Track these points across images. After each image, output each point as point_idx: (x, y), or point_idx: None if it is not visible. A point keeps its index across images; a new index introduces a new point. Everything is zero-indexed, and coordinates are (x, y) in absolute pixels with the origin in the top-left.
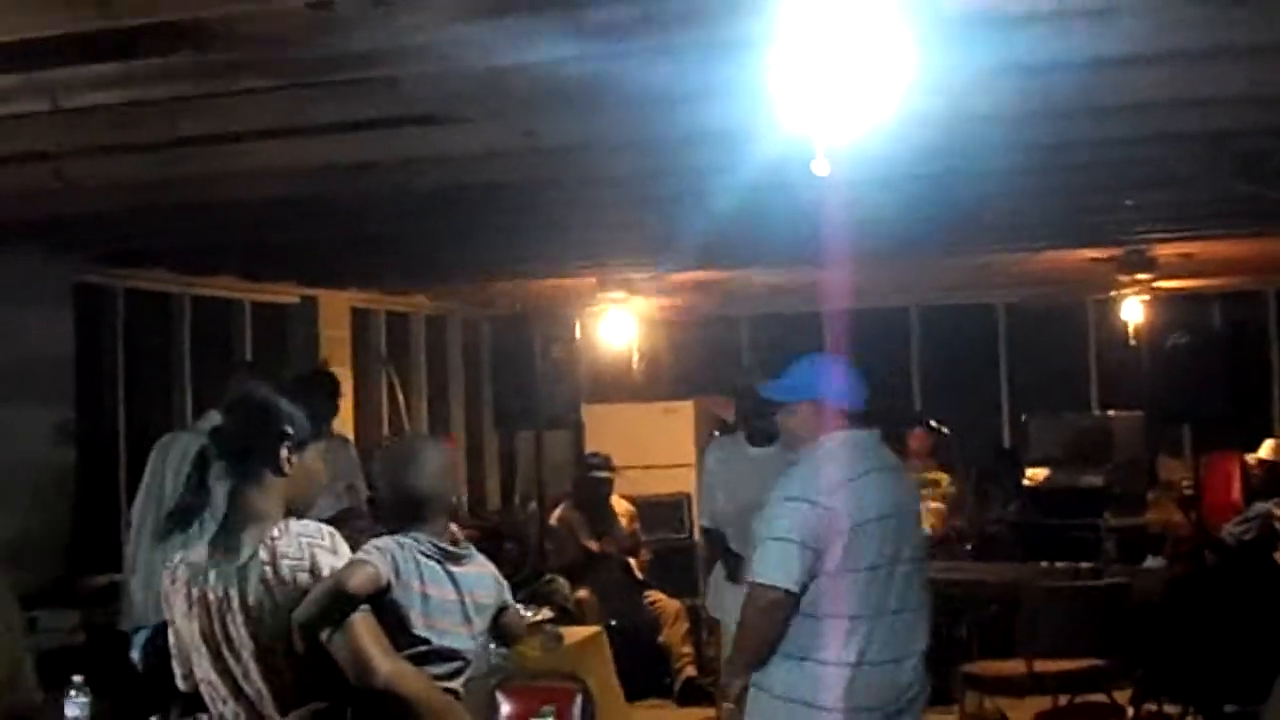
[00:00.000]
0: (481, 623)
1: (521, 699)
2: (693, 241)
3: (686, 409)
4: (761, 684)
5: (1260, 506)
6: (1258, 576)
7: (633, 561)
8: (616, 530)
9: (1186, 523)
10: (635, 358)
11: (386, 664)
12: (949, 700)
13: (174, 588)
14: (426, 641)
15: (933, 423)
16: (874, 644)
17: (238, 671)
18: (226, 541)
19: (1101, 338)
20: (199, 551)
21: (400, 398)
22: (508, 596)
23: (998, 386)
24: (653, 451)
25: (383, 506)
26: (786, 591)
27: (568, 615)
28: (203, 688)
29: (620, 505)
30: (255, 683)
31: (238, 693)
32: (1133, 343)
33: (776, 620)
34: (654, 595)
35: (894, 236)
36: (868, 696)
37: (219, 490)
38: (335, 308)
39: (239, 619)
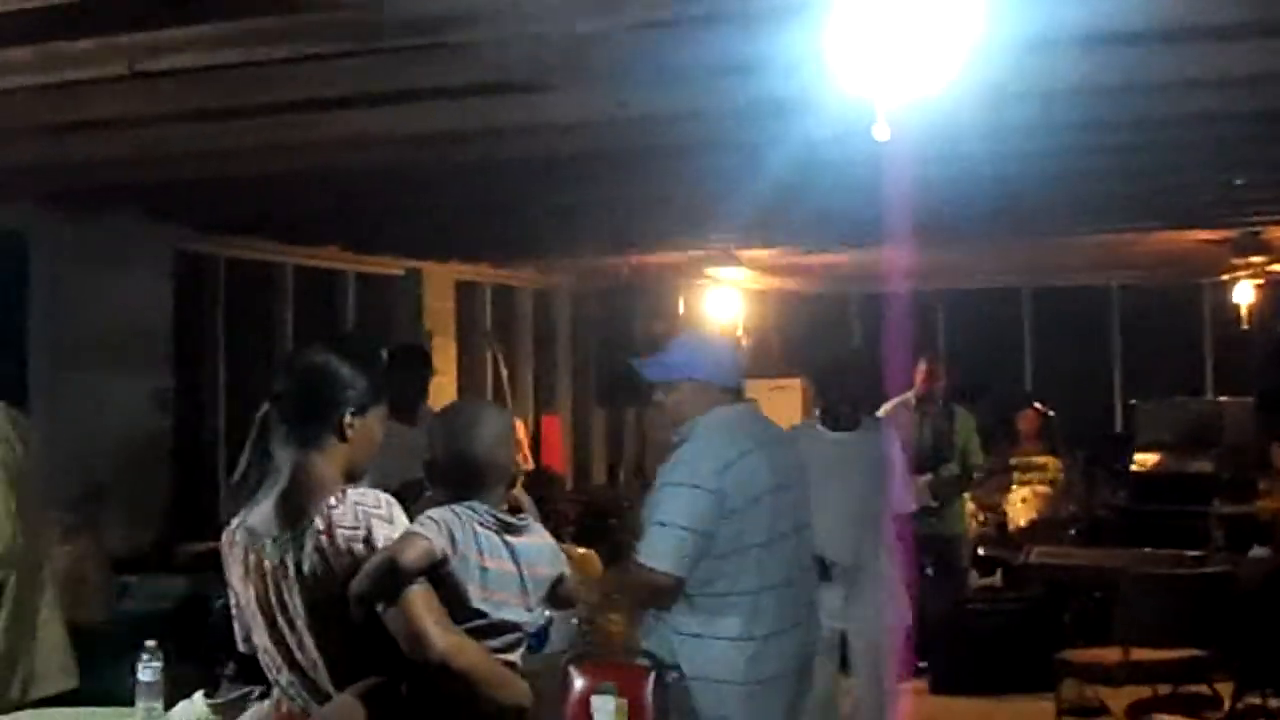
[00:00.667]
0: (538, 595)
1: (594, 675)
2: (793, 216)
3: (795, 386)
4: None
5: None
6: None
7: None
8: None
9: None
10: (740, 334)
11: (443, 638)
12: (1049, 688)
13: (231, 552)
14: (484, 615)
15: (1039, 405)
16: (773, 616)
17: (292, 641)
18: (286, 508)
19: (1215, 321)
20: (257, 516)
21: (504, 372)
22: (565, 568)
23: (1110, 370)
24: None
25: (438, 473)
26: (676, 578)
27: None
28: (260, 656)
29: None
30: (310, 653)
31: (292, 662)
32: (1245, 327)
33: (663, 603)
34: None
35: (996, 218)
36: (771, 667)
37: (281, 456)
38: (440, 280)
39: (294, 588)
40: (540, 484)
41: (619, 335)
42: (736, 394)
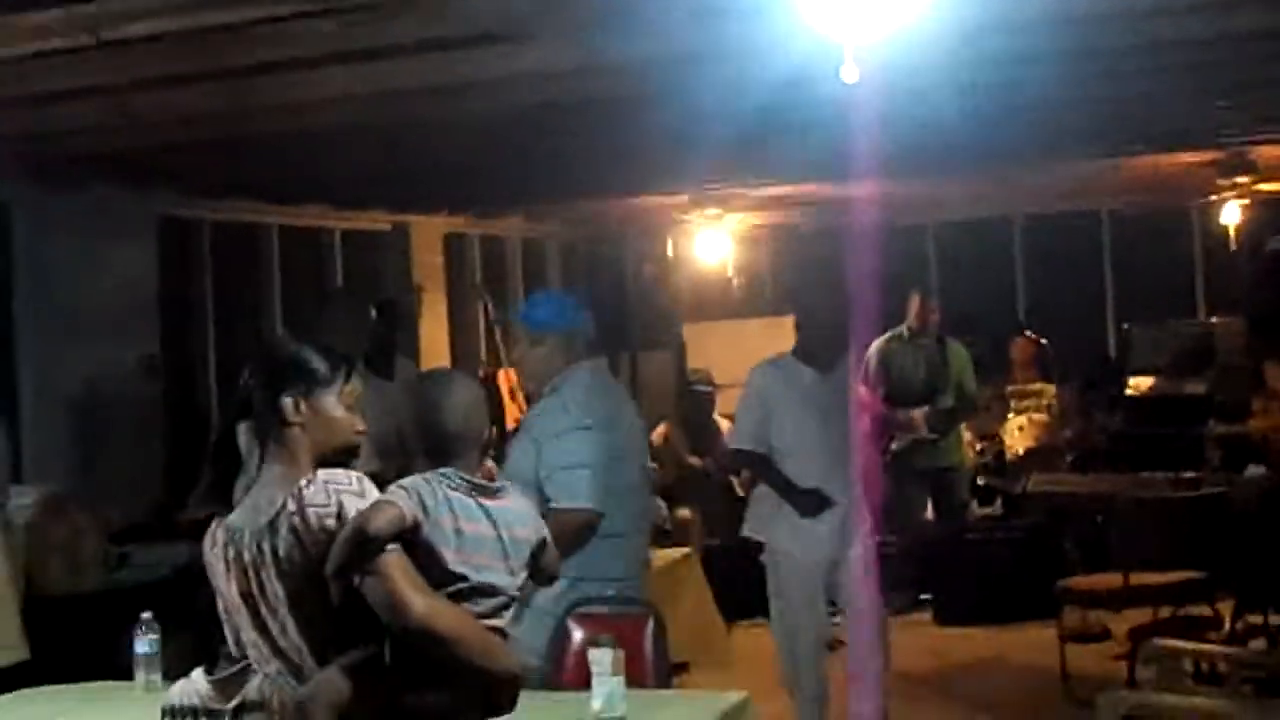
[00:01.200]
0: (520, 559)
1: (591, 627)
2: (776, 155)
3: (788, 325)
4: (539, 604)
5: None
6: None
7: (735, 480)
8: (718, 448)
9: None
10: (732, 274)
11: (422, 601)
12: (1051, 615)
13: (214, 552)
14: (464, 578)
15: (1031, 334)
16: (635, 559)
17: (275, 629)
18: (256, 500)
19: (1205, 243)
20: (234, 512)
21: (496, 325)
22: (546, 533)
23: (1102, 295)
24: None
25: (409, 444)
26: (596, 513)
27: (665, 536)
28: (250, 651)
29: (723, 423)
30: (293, 638)
31: (277, 650)
32: (1233, 248)
33: (585, 541)
34: None
35: (980, 148)
36: None
37: (250, 450)
38: (428, 234)
39: (272, 574)
40: None
41: (607, 280)
42: (595, 347)
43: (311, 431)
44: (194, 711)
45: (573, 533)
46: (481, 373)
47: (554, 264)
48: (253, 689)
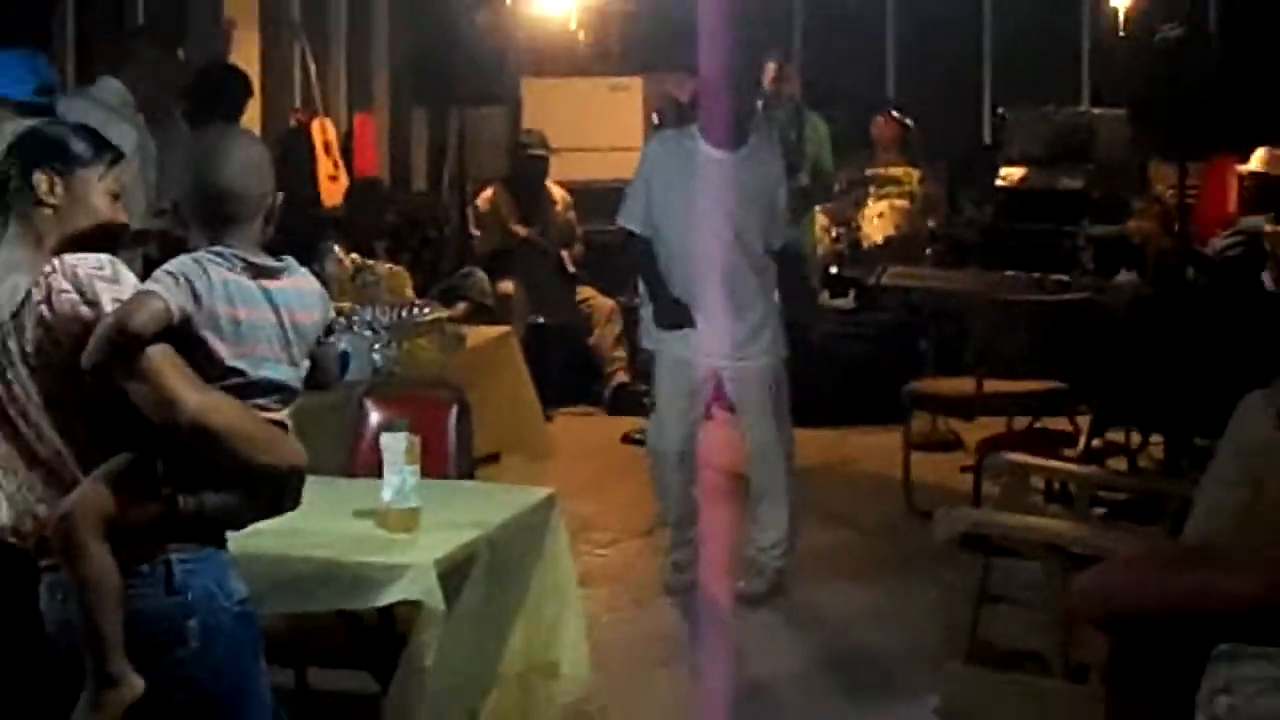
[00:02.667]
0: (303, 347)
1: (391, 409)
2: None
3: (635, 86)
4: None
5: (1250, 222)
6: (1241, 297)
7: (565, 254)
8: (549, 217)
9: (1169, 235)
10: (576, 27)
11: (194, 396)
12: (900, 420)
13: None
14: (241, 373)
15: (894, 113)
16: None
17: (30, 434)
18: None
19: (1094, 26)
20: None
21: (312, 68)
22: (332, 313)
23: (979, 75)
24: (596, 133)
25: (185, 213)
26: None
27: (486, 311)
28: None
29: (556, 191)
30: (51, 442)
31: (33, 458)
32: (1122, 34)
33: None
34: (587, 292)
35: None
36: None
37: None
38: None
39: (21, 373)
40: (354, 194)
41: (442, 24)
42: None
43: (64, 215)
44: None
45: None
46: (294, 121)
47: (381, 4)
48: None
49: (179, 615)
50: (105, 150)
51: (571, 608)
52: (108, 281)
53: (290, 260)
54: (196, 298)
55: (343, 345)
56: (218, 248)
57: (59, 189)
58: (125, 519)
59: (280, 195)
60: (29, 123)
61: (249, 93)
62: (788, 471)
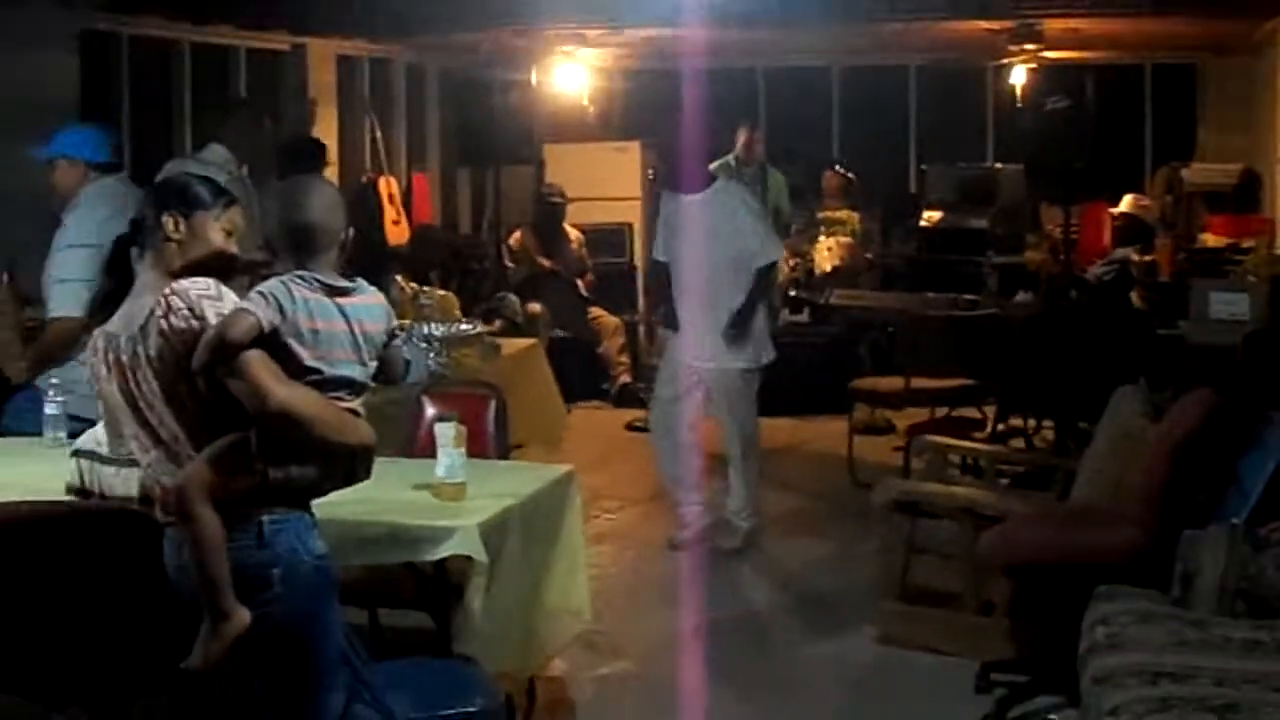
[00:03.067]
0: (370, 350)
1: (443, 403)
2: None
3: (633, 149)
4: None
5: (1121, 252)
6: (1114, 313)
7: (580, 281)
8: (566, 252)
9: (1057, 263)
10: (587, 103)
11: (280, 389)
12: (845, 410)
13: (96, 358)
14: (319, 372)
15: (839, 168)
16: None
17: (154, 420)
18: (130, 309)
19: (997, 99)
20: (114, 321)
21: (379, 137)
22: (395, 324)
23: (906, 138)
24: (602, 186)
25: (275, 244)
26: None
27: (516, 328)
28: (131, 445)
29: (571, 231)
30: (171, 427)
31: (157, 440)
32: (1019, 105)
33: (70, 346)
34: (596, 311)
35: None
36: None
37: (136, 265)
38: (323, 55)
39: (148, 373)
40: (415, 236)
41: (481, 100)
42: (105, 168)
43: (186, 247)
44: (97, 456)
45: (55, 340)
46: (365, 178)
47: (433, 86)
48: (139, 480)
49: (267, 564)
50: (221, 195)
51: (579, 561)
52: (212, 300)
53: (360, 281)
54: (282, 312)
55: (405, 353)
56: (300, 272)
57: (182, 227)
58: (226, 489)
59: (352, 231)
60: (108, 179)
61: (325, 159)
62: (746, 454)
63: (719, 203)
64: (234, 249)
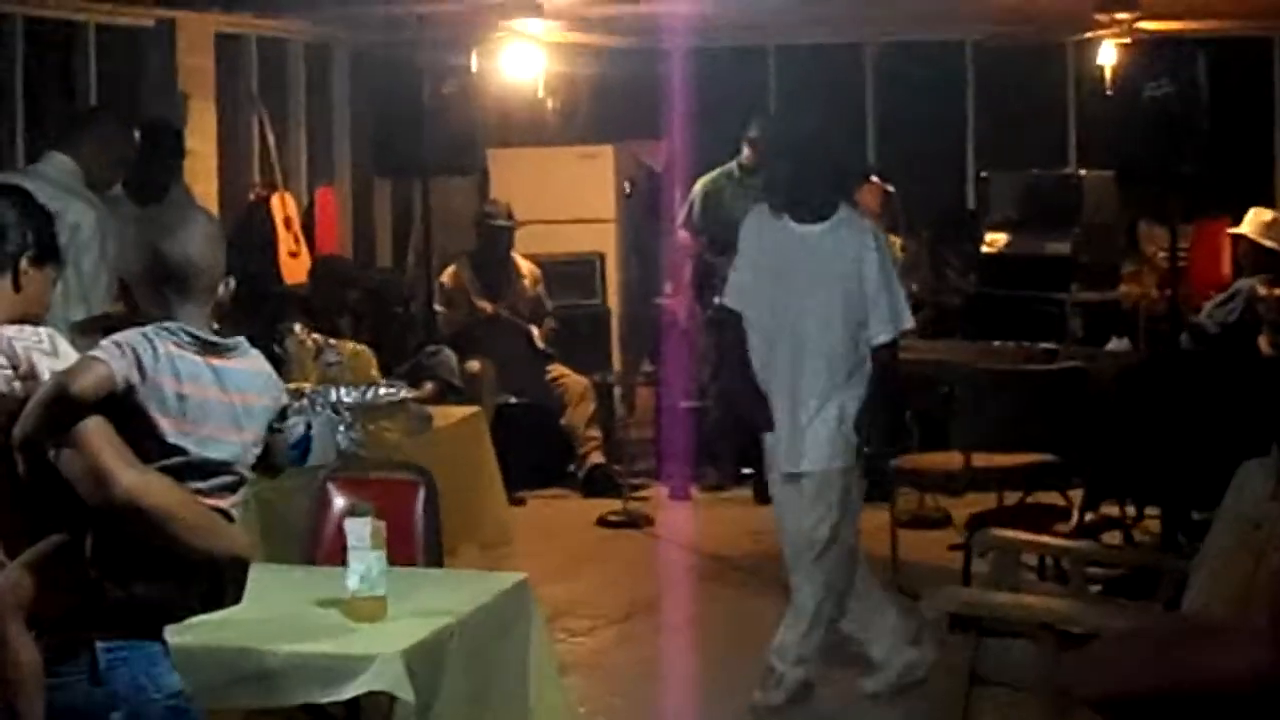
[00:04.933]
0: (256, 430)
1: (355, 493)
2: None
3: (606, 155)
4: None
5: (1245, 284)
6: (1237, 364)
7: (535, 330)
8: (516, 291)
9: (1162, 300)
10: (544, 95)
11: (128, 474)
12: (886, 497)
13: None
14: (183, 451)
15: (875, 179)
16: None
17: None
18: None
19: (1079, 85)
20: None
21: (272, 140)
22: (285, 399)
23: (962, 138)
24: (565, 205)
25: (136, 287)
26: None
27: (454, 391)
28: None
29: (524, 264)
30: None
31: None
32: (1109, 92)
33: None
34: (558, 370)
35: None
36: None
37: None
38: (197, 32)
39: None
40: (316, 271)
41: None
42: None
43: (27, 299)
44: None
45: None
46: (253, 196)
47: (342, 74)
48: None
49: (103, 707)
50: (57, 248)
51: (560, 695)
52: (46, 354)
53: (242, 341)
54: (142, 369)
55: (300, 428)
56: (167, 323)
57: (33, 274)
58: (48, 606)
59: (232, 280)
60: None
61: (183, 152)
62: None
63: (840, 239)
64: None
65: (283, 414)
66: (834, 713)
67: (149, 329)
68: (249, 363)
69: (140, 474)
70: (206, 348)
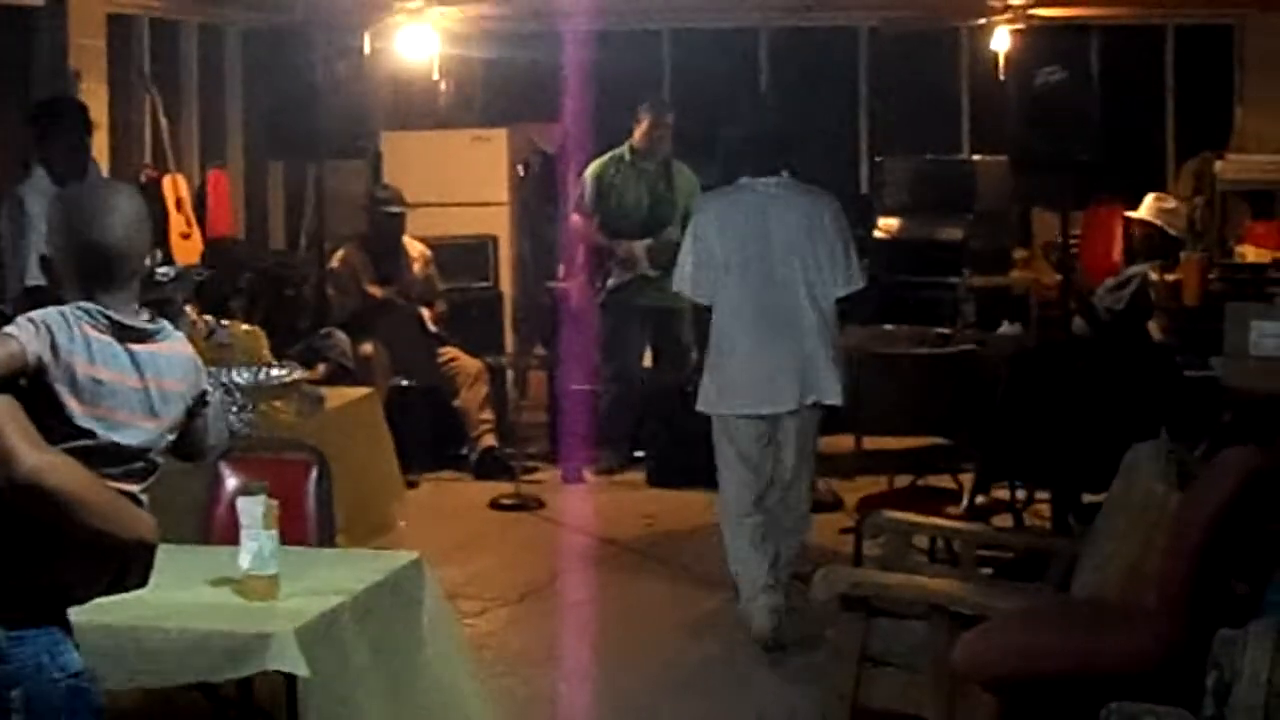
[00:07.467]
0: (171, 416)
1: (247, 472)
2: None
3: (499, 138)
4: None
5: (1137, 269)
6: (1127, 348)
7: (426, 312)
8: (407, 274)
9: (1053, 285)
10: (438, 78)
11: (33, 454)
12: None
13: None
14: (91, 434)
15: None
16: None
17: None
18: None
19: (973, 71)
20: None
21: (164, 121)
22: (207, 385)
23: (855, 123)
24: (457, 187)
25: (59, 267)
26: None
27: (347, 373)
28: None
29: (413, 247)
30: None
31: None
32: (1002, 79)
33: None
34: (450, 352)
35: None
36: None
37: None
38: (89, 12)
39: None
40: (208, 253)
41: (299, 75)
42: None
43: None
44: None
45: None
46: (144, 177)
47: (233, 55)
48: None
49: (1, 685)
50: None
51: (467, 670)
52: None
53: (165, 325)
54: (55, 349)
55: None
56: (86, 304)
57: None
58: None
59: (159, 252)
60: None
61: (89, 124)
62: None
63: (791, 188)
64: None
65: (202, 398)
66: (726, 693)
67: (67, 309)
68: (170, 347)
69: (45, 454)
70: (125, 332)
